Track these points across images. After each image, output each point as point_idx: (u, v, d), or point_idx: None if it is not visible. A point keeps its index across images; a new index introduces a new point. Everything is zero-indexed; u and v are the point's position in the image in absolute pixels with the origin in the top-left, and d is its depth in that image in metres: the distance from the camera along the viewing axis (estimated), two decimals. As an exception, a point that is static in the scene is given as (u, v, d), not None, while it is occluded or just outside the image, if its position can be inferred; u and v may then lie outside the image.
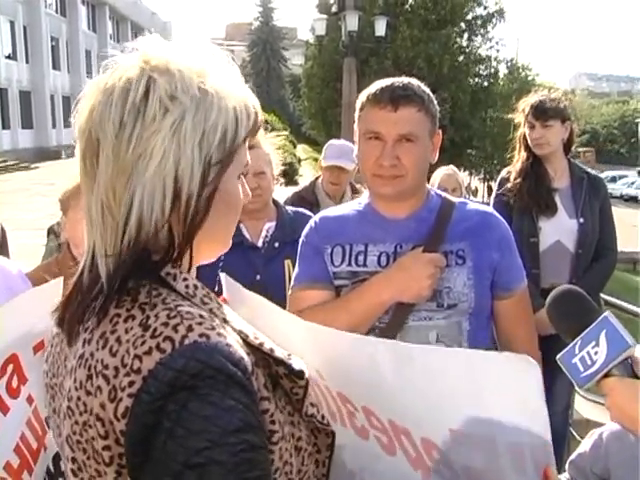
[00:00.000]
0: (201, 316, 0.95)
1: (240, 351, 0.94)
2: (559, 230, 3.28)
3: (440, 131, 1.95)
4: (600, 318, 1.21)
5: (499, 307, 1.95)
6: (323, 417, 1.15)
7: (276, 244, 2.69)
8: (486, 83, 28.64)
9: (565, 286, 1.36)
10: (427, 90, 1.90)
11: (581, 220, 3.27)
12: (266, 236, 2.72)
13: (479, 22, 28.88)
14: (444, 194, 2.03)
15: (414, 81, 1.90)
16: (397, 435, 1.35)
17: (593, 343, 1.21)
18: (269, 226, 2.74)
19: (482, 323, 1.92)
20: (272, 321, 1.58)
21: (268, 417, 0.98)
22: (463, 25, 28.61)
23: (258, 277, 2.53)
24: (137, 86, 0.96)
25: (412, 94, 1.85)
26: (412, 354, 1.27)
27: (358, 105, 1.95)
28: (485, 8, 28.80)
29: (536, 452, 1.15)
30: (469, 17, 28.82)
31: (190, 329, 0.91)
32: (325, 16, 21.90)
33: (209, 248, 1.09)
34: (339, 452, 1.32)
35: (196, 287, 1.03)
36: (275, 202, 2.83)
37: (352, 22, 16.96)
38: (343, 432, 1.42)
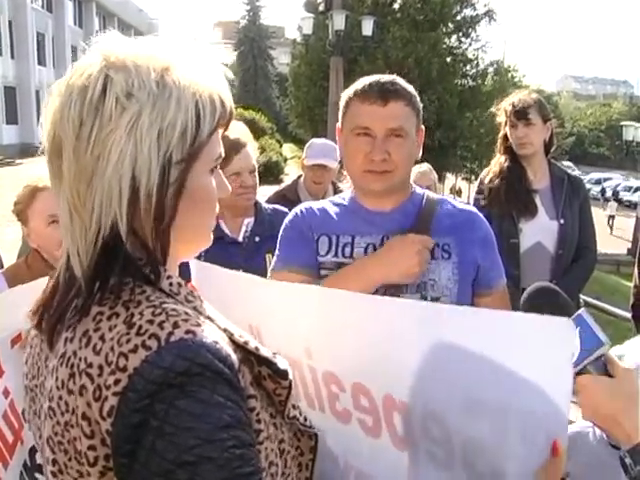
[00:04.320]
0: (186, 313, 0.94)
1: (227, 348, 0.93)
2: (539, 231, 3.29)
3: (423, 127, 1.96)
4: (575, 315, 1.22)
5: (480, 304, 1.95)
6: (305, 419, 1.14)
7: (257, 238, 2.71)
8: (473, 83, 28.71)
9: (541, 283, 1.36)
10: (410, 87, 1.92)
11: (561, 221, 3.28)
12: (246, 231, 2.74)
13: (468, 23, 28.95)
14: (427, 191, 2.05)
15: (398, 78, 1.91)
16: (388, 413, 1.34)
17: None
18: (248, 221, 2.76)
19: None
20: (254, 294, 1.58)
21: (254, 415, 0.98)
22: (452, 26, 28.67)
23: (240, 271, 2.53)
24: (95, 84, 0.95)
25: (400, 89, 1.87)
26: (443, 314, 1.27)
27: (343, 102, 1.95)
28: (475, 9, 28.90)
29: (550, 422, 1.13)
30: (458, 18, 28.89)
31: (176, 326, 0.90)
32: (312, 15, 21.90)
33: (186, 247, 1.08)
34: (322, 438, 1.32)
35: (180, 285, 1.02)
36: None
37: (339, 21, 16.96)
38: (322, 418, 1.43)
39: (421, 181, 4.52)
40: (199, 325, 0.92)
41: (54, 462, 0.97)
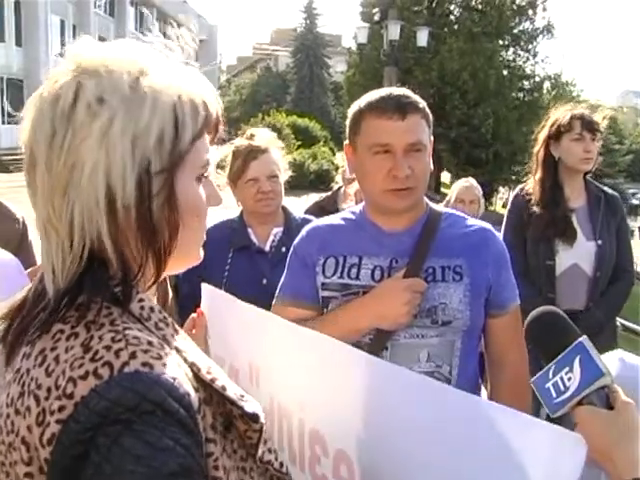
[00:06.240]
0: (149, 343, 0.87)
1: (186, 386, 0.85)
2: (576, 253, 3.15)
3: (432, 138, 1.88)
4: (575, 343, 1.17)
5: (492, 325, 1.90)
6: (282, 465, 1.04)
7: (283, 249, 2.64)
8: (530, 97, 28.30)
9: (545, 307, 1.31)
10: (419, 98, 1.84)
11: (599, 242, 3.15)
12: (273, 241, 2.71)
13: (526, 37, 28.61)
14: (439, 208, 1.99)
15: (407, 90, 1.85)
16: None
17: (567, 369, 1.16)
18: (276, 231, 2.73)
19: (474, 343, 1.88)
20: (260, 331, 1.56)
21: (212, 461, 0.89)
22: (509, 38, 28.35)
23: (265, 281, 2.53)
24: (66, 92, 0.90)
25: (415, 101, 1.80)
26: (452, 398, 1.19)
27: (352, 118, 1.86)
28: (532, 22, 28.55)
29: None
30: (515, 31, 28.56)
31: (133, 356, 0.83)
32: (367, 24, 21.92)
33: (172, 263, 0.99)
34: None
35: (152, 310, 0.95)
36: (283, 208, 2.81)
37: (394, 31, 16.95)
38: (301, 476, 1.37)
39: (464, 195, 4.49)
40: (160, 358, 0.85)
41: None
